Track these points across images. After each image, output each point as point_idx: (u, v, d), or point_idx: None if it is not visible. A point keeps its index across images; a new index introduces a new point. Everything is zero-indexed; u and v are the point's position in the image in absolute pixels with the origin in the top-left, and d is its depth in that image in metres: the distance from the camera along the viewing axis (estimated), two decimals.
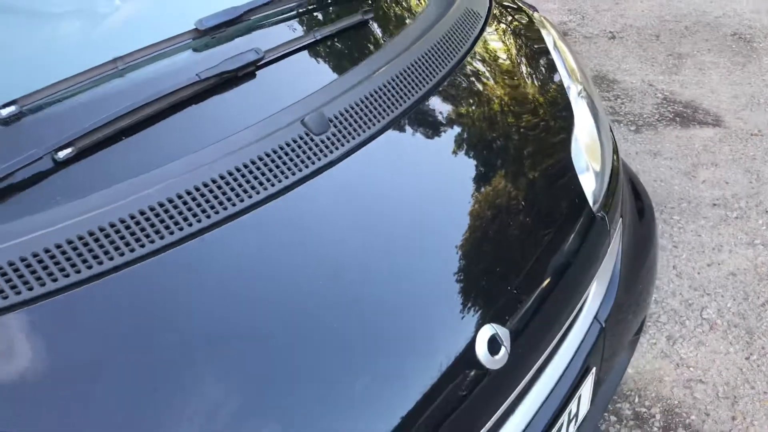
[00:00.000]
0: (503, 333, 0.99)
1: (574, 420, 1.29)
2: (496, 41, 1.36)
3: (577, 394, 1.24)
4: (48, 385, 0.74)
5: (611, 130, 1.49)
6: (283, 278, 0.91)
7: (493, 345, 0.98)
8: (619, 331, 1.38)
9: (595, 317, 1.30)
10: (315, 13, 1.20)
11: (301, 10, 1.18)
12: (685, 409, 1.83)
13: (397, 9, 1.34)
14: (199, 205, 0.87)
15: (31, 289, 0.77)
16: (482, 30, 1.33)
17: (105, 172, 0.89)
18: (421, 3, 1.36)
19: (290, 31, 1.15)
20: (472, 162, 1.15)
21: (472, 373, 0.95)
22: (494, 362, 0.97)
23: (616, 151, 1.42)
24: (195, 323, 0.83)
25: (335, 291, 0.91)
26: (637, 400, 1.87)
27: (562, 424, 1.22)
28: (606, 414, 1.83)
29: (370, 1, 1.29)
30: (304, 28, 1.17)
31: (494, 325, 0.99)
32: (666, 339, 2.03)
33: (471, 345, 0.96)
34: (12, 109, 0.88)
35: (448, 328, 0.96)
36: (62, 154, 0.87)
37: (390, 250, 0.97)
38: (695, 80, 3.40)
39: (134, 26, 1.12)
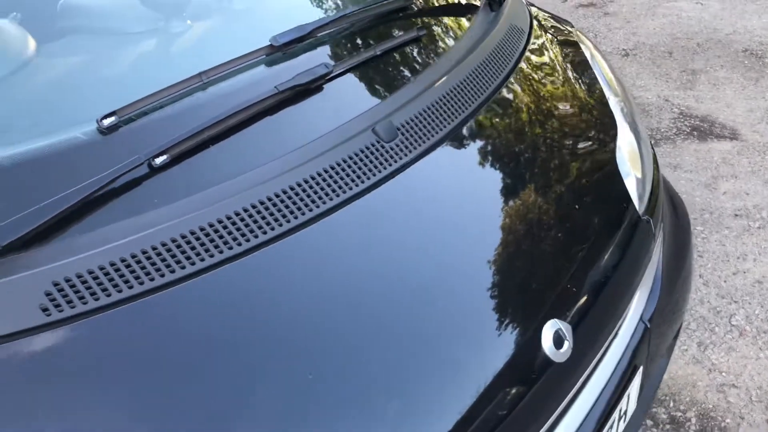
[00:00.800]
0: (566, 328, 1.04)
1: (623, 418, 1.33)
2: (540, 54, 1.43)
3: (627, 393, 1.29)
4: (147, 375, 0.79)
5: (650, 141, 1.55)
6: (360, 276, 0.96)
7: (557, 339, 1.03)
8: (661, 332, 1.43)
9: (641, 318, 1.35)
10: (375, 30, 1.27)
11: (362, 27, 1.25)
12: (719, 413, 1.87)
13: (446, 26, 1.41)
14: (280, 210, 0.93)
15: (131, 287, 0.83)
16: (527, 44, 1.40)
17: (195, 178, 0.96)
18: (467, 20, 1.43)
19: (354, 46, 1.22)
20: (526, 166, 1.21)
21: (540, 364, 1.00)
22: (559, 355, 1.02)
23: (655, 160, 1.48)
24: (280, 320, 0.89)
25: (409, 288, 0.97)
26: (672, 404, 1.91)
27: (614, 421, 1.26)
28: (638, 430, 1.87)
29: (421, 19, 1.36)
30: (366, 43, 1.24)
31: (557, 320, 1.04)
32: (697, 345, 2.07)
33: (537, 338, 1.01)
34: (112, 119, 0.94)
35: (517, 323, 1.01)
36: (158, 161, 0.93)
37: (459, 250, 1.03)
38: (710, 95, 3.47)
39: (213, 43, 1.20)
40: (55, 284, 0.80)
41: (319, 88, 1.10)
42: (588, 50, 1.54)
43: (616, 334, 1.25)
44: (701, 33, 4.16)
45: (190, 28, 1.22)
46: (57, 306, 0.79)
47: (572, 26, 1.64)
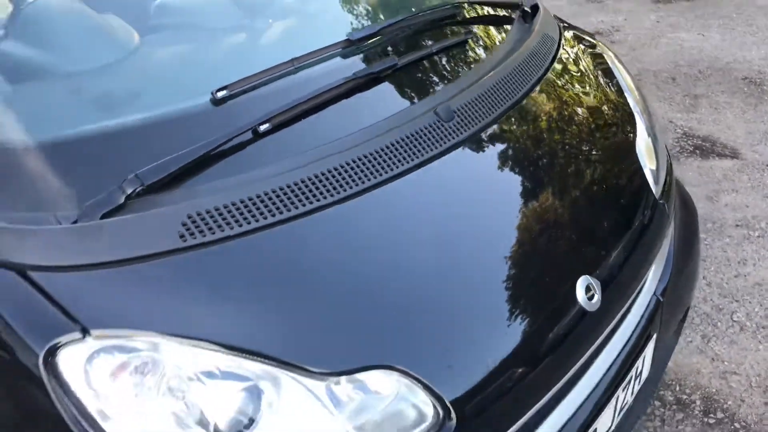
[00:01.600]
0: (596, 283, 1.22)
1: (638, 378, 1.50)
2: (569, 59, 1.63)
3: (642, 355, 1.46)
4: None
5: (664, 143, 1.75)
6: (426, 230, 1.15)
7: (589, 292, 1.21)
8: (671, 307, 1.60)
9: (654, 292, 1.53)
10: (432, 32, 1.47)
11: (422, 29, 1.45)
12: (722, 396, 2.04)
13: (488, 32, 1.61)
14: (357, 173, 1.12)
15: (249, 223, 1.01)
16: (558, 49, 1.60)
17: (290, 144, 1.15)
18: (505, 28, 1.64)
19: (416, 44, 1.42)
20: (562, 152, 1.40)
21: (575, 312, 1.18)
22: (590, 305, 1.20)
23: (668, 155, 1.67)
24: (360, 248, 1.07)
25: (469, 244, 1.15)
26: (678, 388, 2.08)
27: (631, 378, 1.43)
28: (650, 400, 2.03)
29: (468, 25, 1.56)
30: (425, 42, 1.44)
31: (588, 276, 1.22)
32: (701, 338, 2.25)
33: (572, 290, 1.19)
34: (224, 92, 1.14)
35: (557, 277, 1.20)
36: (262, 128, 1.12)
37: (509, 216, 1.22)
38: (711, 118, 3.69)
39: (298, 37, 1.40)
40: (189, 217, 0.98)
41: (388, 77, 1.30)
42: (610, 59, 1.74)
43: (636, 297, 1.43)
44: (703, 61, 4.40)
45: (273, 25, 1.42)
46: (191, 234, 0.97)
47: (595, 38, 1.84)
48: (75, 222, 0.95)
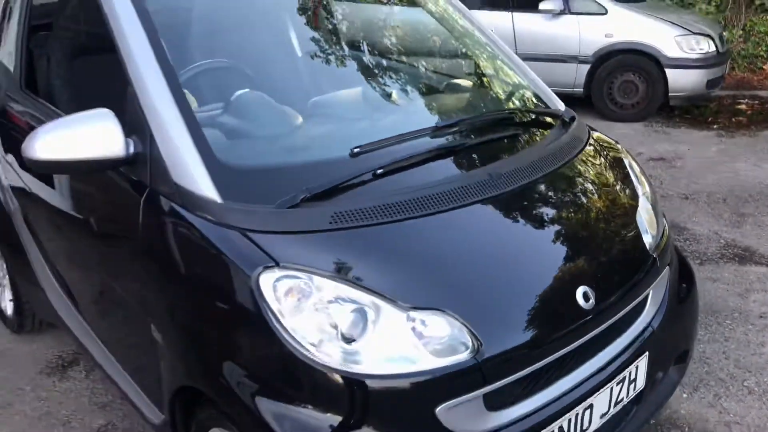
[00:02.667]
0: (591, 292, 1.82)
1: (633, 384, 2.02)
2: (592, 152, 2.30)
3: (635, 364, 1.99)
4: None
5: (665, 220, 2.34)
6: (483, 237, 1.81)
7: (586, 296, 1.80)
8: (664, 337, 2.13)
9: (650, 323, 2.08)
10: (495, 125, 2.19)
11: (488, 123, 2.18)
12: None
13: (533, 129, 2.31)
14: (440, 201, 1.80)
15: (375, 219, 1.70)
16: (585, 145, 2.27)
17: (394, 183, 1.85)
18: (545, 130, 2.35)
19: (482, 132, 2.14)
20: (577, 209, 2.03)
21: (575, 308, 1.78)
22: (586, 305, 1.79)
23: (666, 226, 2.26)
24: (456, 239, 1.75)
25: (508, 249, 1.81)
26: (687, 429, 2.52)
27: (625, 378, 1.97)
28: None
29: (519, 125, 2.28)
30: (489, 132, 2.16)
31: (587, 287, 1.82)
32: (713, 396, 2.69)
33: (574, 293, 1.79)
34: (357, 150, 1.87)
35: (565, 282, 1.81)
36: (379, 171, 1.84)
37: (536, 238, 1.86)
38: (755, 233, 4.17)
39: (405, 120, 2.17)
40: (335, 212, 1.69)
41: (460, 151, 2.01)
42: (626, 157, 2.39)
43: (631, 322, 1.99)
44: (754, 187, 4.91)
45: (387, 117, 2.20)
46: (336, 222, 1.68)
47: (617, 143, 2.51)
48: (275, 208, 1.69)
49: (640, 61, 6.73)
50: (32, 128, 2.56)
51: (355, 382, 1.55)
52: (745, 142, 6.15)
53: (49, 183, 2.51)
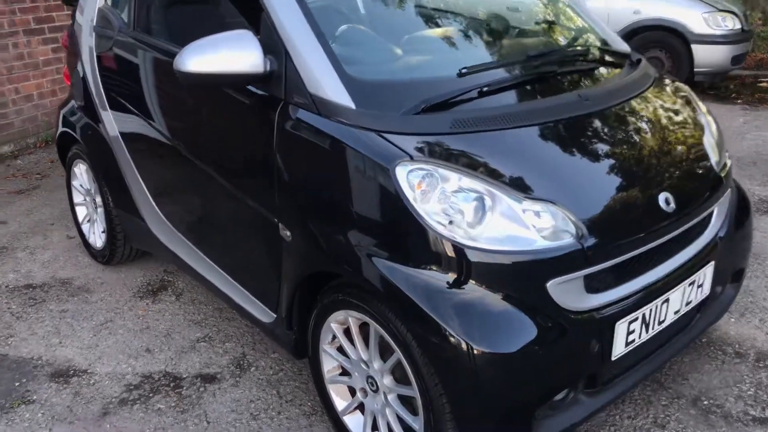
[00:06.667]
0: (671, 198, 2.07)
1: (701, 288, 2.27)
2: (663, 86, 2.54)
3: (703, 271, 2.24)
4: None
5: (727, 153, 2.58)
6: (590, 145, 2.05)
7: (667, 201, 2.05)
8: (726, 251, 2.37)
9: (717, 234, 2.33)
10: (578, 59, 2.44)
11: (575, 56, 2.44)
12: None
13: (609, 65, 2.55)
14: (546, 113, 2.05)
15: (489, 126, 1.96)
16: (655, 80, 2.52)
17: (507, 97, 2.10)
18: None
19: (566, 64, 2.39)
20: (656, 134, 2.27)
21: (657, 210, 2.02)
22: (667, 209, 2.04)
23: (728, 159, 2.50)
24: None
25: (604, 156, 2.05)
26: (737, 346, 2.77)
27: (695, 281, 2.22)
28: (714, 351, 2.74)
29: (598, 59, 2.52)
30: (572, 65, 2.41)
31: (667, 193, 2.07)
32: (758, 320, 2.94)
33: (657, 197, 2.04)
34: (465, 70, 2.12)
35: (649, 186, 2.05)
36: (485, 89, 2.08)
37: (644, 152, 2.11)
38: None
39: (508, 46, 2.42)
40: (455, 119, 1.94)
41: (556, 76, 2.26)
42: (692, 94, 2.64)
43: (700, 232, 2.24)
44: None
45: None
46: (455, 127, 1.92)
47: (683, 84, 2.75)
48: (401, 114, 1.94)
49: (667, 38, 6.94)
50: (147, 64, 2.83)
51: (476, 255, 1.80)
52: None
53: (162, 116, 2.77)
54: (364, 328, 2.07)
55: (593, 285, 1.92)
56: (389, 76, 2.18)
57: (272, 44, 2.11)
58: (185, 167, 2.71)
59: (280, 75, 2.10)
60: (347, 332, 2.14)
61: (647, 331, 2.06)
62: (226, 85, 2.25)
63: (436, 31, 2.56)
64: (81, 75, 3.31)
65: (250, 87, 2.22)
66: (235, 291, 2.62)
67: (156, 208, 3.08)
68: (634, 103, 2.32)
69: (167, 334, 2.98)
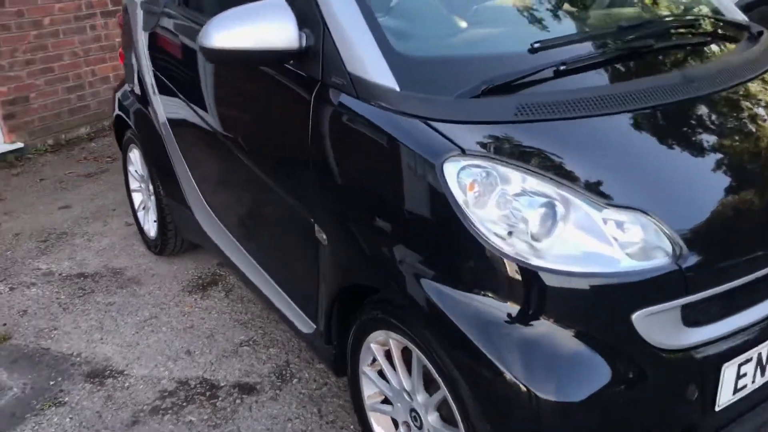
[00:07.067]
0: None
1: None
2: None
3: None
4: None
5: None
6: (686, 137, 1.64)
7: None
8: None
9: None
10: (684, 31, 2.00)
11: (677, 28, 2.01)
12: None
13: (722, 40, 2.09)
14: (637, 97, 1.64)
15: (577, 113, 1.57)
16: None
17: (590, 79, 1.71)
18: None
19: (668, 37, 1.95)
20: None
21: None
22: None
23: None
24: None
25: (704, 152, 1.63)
26: None
27: None
28: None
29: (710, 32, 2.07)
30: (675, 39, 1.97)
31: None
32: None
33: None
34: (538, 45, 1.74)
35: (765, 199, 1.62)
36: (561, 68, 1.69)
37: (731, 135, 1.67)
38: None
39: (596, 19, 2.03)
40: (520, 103, 1.57)
41: (651, 53, 1.84)
42: None
43: None
44: None
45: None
46: (521, 114, 1.56)
47: None
48: (456, 98, 1.59)
49: None
50: (188, 42, 2.60)
51: (542, 277, 1.43)
52: None
53: (209, 100, 2.53)
54: (406, 353, 1.75)
55: (693, 317, 1.51)
56: (443, 51, 1.82)
57: (309, 15, 1.80)
58: (225, 155, 2.47)
59: (317, 51, 1.79)
60: (389, 355, 1.83)
61: (763, 374, 1.63)
62: (255, 63, 1.96)
63: (506, 1, 2.18)
64: (132, 56, 3.14)
65: (286, 65, 1.93)
66: (277, 295, 2.36)
67: (202, 198, 2.86)
68: (752, 86, 1.86)
69: (210, 335, 2.77)
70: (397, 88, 1.63)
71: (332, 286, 1.91)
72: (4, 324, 2.92)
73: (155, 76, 2.93)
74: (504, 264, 1.44)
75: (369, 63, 1.67)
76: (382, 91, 1.64)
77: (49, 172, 4.80)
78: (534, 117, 1.56)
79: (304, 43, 1.80)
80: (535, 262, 1.43)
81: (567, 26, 2.02)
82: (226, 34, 1.76)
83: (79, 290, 3.18)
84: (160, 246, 3.36)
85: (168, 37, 2.77)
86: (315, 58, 1.80)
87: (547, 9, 2.12)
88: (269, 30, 1.77)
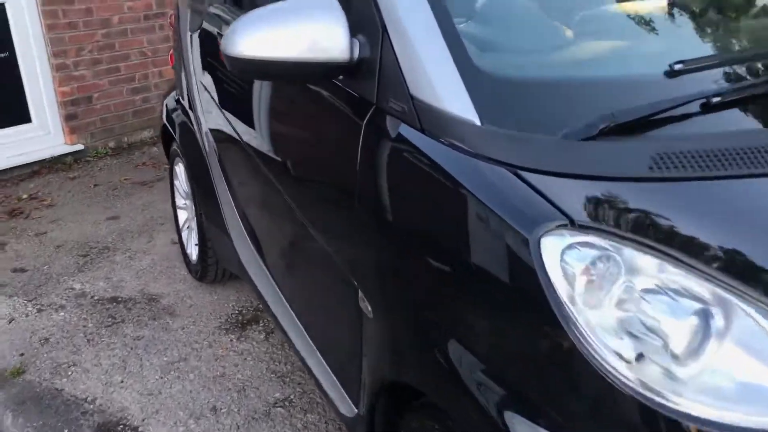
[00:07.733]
0: None
1: None
2: None
3: None
4: None
5: None
6: None
7: None
8: None
9: None
10: None
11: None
12: None
13: None
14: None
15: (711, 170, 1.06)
16: None
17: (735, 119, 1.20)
18: None
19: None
20: None
21: None
22: None
23: None
24: None
25: None
26: None
27: None
28: None
29: None
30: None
31: None
32: None
33: None
34: (680, 66, 1.23)
35: None
36: (714, 101, 1.18)
37: None
38: None
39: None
40: (658, 153, 1.07)
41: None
42: None
43: None
44: None
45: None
46: (659, 168, 1.06)
47: None
48: (561, 139, 1.10)
49: None
50: None
51: (686, 427, 0.93)
52: None
53: (248, 116, 2.13)
54: None
55: None
56: (544, 72, 1.33)
57: (365, 17, 1.35)
58: (264, 181, 2.05)
59: (373, 65, 1.34)
60: None
61: None
62: (291, 77, 1.53)
63: (631, 6, 1.67)
64: (179, 60, 2.80)
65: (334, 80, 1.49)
66: (315, 361, 1.92)
67: (242, 226, 2.47)
68: None
69: (242, 389, 2.37)
70: (478, 122, 1.16)
71: (376, 375, 1.45)
72: (22, 354, 2.63)
73: (200, 84, 2.57)
74: (620, 398, 0.95)
75: (440, 84, 1.21)
76: (457, 125, 1.17)
77: (104, 177, 4.57)
78: (679, 174, 1.06)
79: (356, 54, 1.36)
80: (675, 402, 0.93)
81: (715, 40, 1.50)
82: (255, 39, 1.34)
83: (109, 318, 2.85)
84: (200, 272, 3.00)
85: (210, 40, 2.40)
86: (370, 74, 1.35)
87: (684, 16, 1.60)
88: (312, 34, 1.33)
